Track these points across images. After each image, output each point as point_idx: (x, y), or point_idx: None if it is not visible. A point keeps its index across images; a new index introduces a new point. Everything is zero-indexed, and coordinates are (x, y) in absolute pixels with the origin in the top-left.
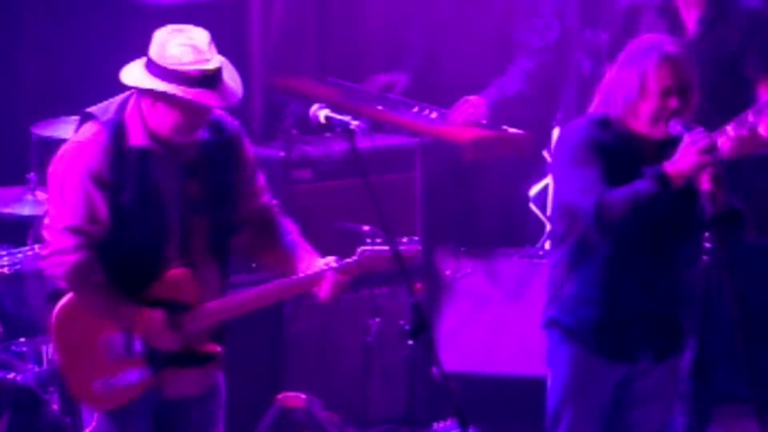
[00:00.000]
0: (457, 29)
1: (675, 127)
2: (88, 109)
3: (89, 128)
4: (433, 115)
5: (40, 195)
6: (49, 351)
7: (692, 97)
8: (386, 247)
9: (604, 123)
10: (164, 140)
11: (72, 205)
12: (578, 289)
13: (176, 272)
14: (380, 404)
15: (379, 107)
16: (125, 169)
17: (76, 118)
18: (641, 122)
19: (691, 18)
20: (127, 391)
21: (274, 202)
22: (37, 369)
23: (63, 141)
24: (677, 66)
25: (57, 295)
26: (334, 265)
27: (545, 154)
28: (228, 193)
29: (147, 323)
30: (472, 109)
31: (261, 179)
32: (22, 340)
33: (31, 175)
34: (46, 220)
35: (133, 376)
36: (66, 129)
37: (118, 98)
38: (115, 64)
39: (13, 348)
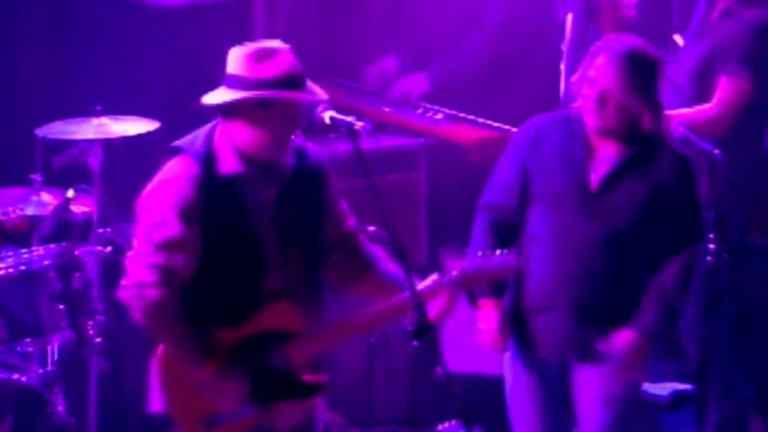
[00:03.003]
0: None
1: (678, 129)
2: (176, 143)
3: (179, 163)
4: (438, 116)
5: (45, 196)
6: (54, 352)
7: (605, 95)
8: (481, 259)
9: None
10: (258, 161)
11: (157, 241)
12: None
13: (279, 301)
14: (384, 405)
15: (384, 108)
16: (217, 198)
17: (79, 119)
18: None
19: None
20: (236, 428)
21: (358, 228)
22: (41, 370)
23: (67, 142)
24: (601, 60)
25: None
26: (438, 279)
27: None
28: (317, 220)
29: (211, 375)
30: (411, 85)
31: (344, 204)
32: (27, 341)
33: (36, 176)
34: (130, 252)
35: (242, 413)
36: (70, 129)
37: (204, 129)
38: (119, 66)
39: (18, 349)
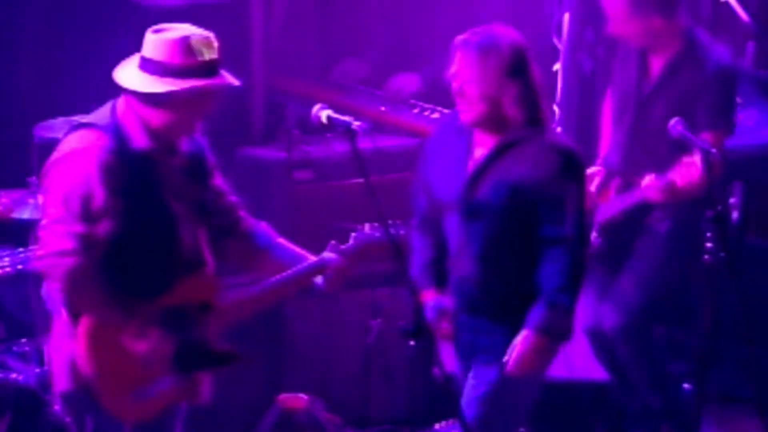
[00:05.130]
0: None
1: (676, 127)
2: (81, 120)
3: (89, 134)
4: (435, 115)
5: (41, 198)
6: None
7: (465, 87)
8: (378, 230)
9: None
10: (166, 140)
11: (76, 209)
12: None
13: (193, 273)
14: (381, 405)
15: (381, 108)
16: (131, 172)
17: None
18: None
19: (656, 63)
20: (160, 399)
21: (239, 203)
22: (38, 370)
23: None
24: (459, 54)
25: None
26: (332, 255)
27: None
28: (210, 194)
29: (136, 332)
30: (403, 83)
31: (224, 182)
32: (24, 340)
33: (33, 179)
34: (44, 221)
35: (165, 383)
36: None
37: (107, 105)
38: (117, 66)
39: (15, 349)
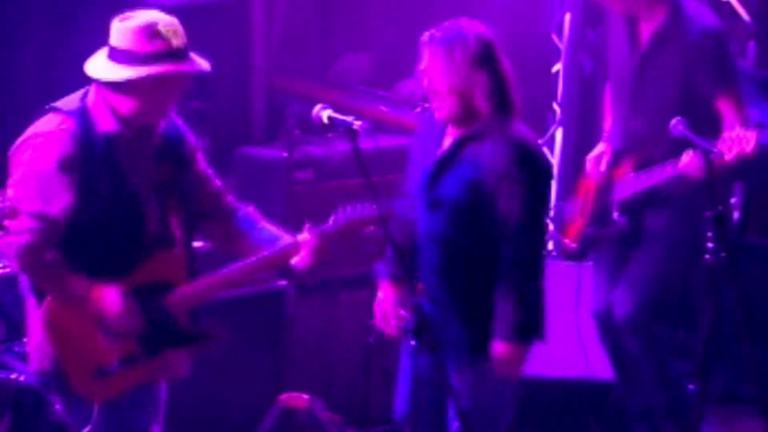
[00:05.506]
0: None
1: (677, 127)
2: (52, 104)
3: (53, 118)
4: None
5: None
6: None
7: (434, 83)
8: (359, 208)
9: None
10: (136, 125)
11: (35, 191)
12: None
13: (159, 253)
14: (381, 404)
15: (381, 107)
16: (95, 155)
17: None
18: None
19: (646, 31)
20: (125, 378)
21: (224, 189)
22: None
23: None
24: (426, 50)
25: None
26: (306, 236)
27: (546, 153)
28: (187, 177)
29: (101, 300)
30: (414, 86)
31: (209, 167)
32: (25, 340)
33: None
34: (6, 203)
35: (130, 362)
36: None
37: (79, 92)
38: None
39: (16, 348)
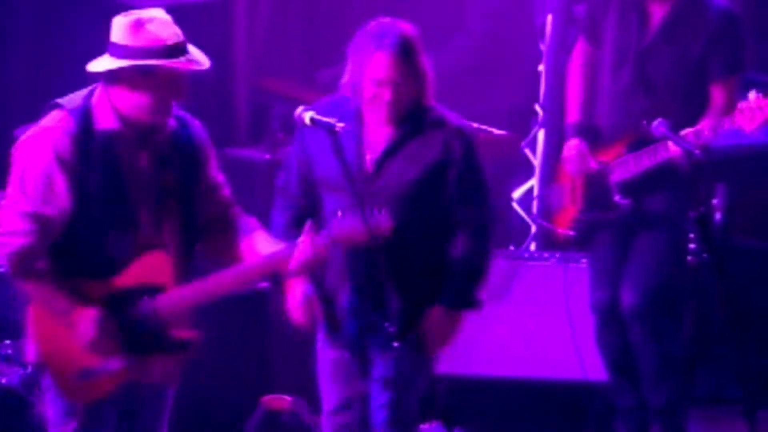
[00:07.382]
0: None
1: (659, 128)
2: (56, 101)
3: (55, 115)
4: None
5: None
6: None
7: (405, 90)
8: (354, 219)
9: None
10: (136, 123)
11: (31, 190)
12: None
13: (150, 255)
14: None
15: None
16: (92, 153)
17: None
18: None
19: (657, 14)
20: (108, 380)
21: (232, 199)
22: (22, 371)
23: None
24: (391, 59)
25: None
26: (295, 244)
27: (529, 154)
28: (193, 184)
29: (78, 323)
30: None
31: (221, 176)
32: (8, 342)
33: None
34: (4, 202)
35: (114, 364)
36: None
37: (85, 90)
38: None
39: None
